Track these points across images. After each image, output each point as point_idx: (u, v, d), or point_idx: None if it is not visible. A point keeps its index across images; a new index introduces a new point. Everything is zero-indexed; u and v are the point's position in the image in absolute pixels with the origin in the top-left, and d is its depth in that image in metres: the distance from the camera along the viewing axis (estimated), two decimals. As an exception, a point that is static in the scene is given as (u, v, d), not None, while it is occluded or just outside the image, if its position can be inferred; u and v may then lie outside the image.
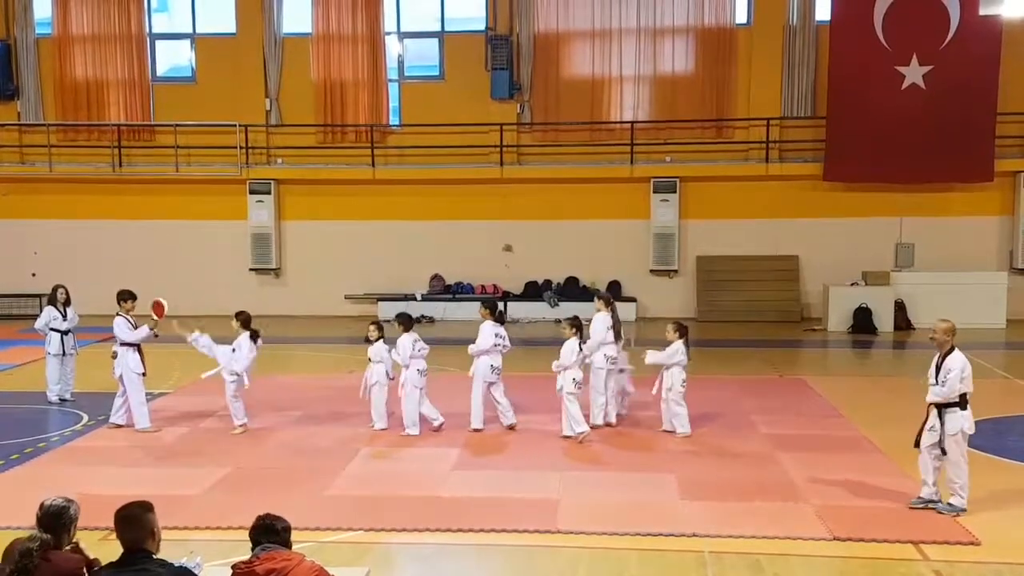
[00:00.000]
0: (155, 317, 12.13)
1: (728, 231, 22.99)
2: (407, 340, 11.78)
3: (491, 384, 11.91)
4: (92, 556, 5.39)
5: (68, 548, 5.29)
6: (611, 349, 11.90)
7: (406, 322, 12.01)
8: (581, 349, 11.54)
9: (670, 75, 23.36)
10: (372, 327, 12.15)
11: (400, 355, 11.75)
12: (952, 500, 8.85)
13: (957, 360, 8.77)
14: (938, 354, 8.95)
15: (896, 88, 21.78)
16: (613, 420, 12.12)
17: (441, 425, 11.88)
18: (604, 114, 23.48)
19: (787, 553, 7.91)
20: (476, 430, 11.85)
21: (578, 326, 11.65)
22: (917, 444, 9.06)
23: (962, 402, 8.76)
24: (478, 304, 12.61)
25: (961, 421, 8.75)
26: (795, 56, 22.85)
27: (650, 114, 23.45)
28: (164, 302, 12.31)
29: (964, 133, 21.48)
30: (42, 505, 5.38)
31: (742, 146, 23.25)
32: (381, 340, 12.01)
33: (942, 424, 8.82)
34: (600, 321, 11.94)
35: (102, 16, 23.98)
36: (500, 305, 12.31)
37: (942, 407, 8.83)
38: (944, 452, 8.87)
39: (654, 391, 11.87)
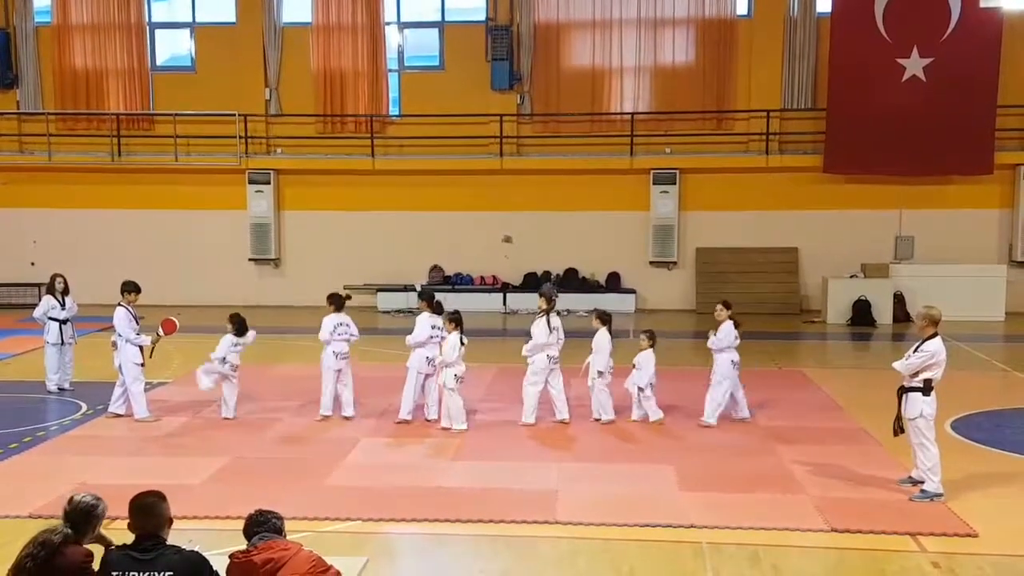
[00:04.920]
0: (161, 333, 12.16)
1: (728, 223, 22.96)
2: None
3: (427, 376, 11.82)
4: (109, 539, 5.38)
5: (89, 540, 5.26)
6: (553, 350, 11.76)
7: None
8: (463, 344, 11.44)
9: (670, 66, 23.31)
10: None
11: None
12: (925, 486, 8.96)
13: (933, 344, 8.89)
14: (920, 339, 9.07)
15: (896, 80, 21.73)
16: (566, 417, 11.88)
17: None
18: (604, 105, 23.41)
19: (785, 544, 7.93)
20: (403, 421, 11.74)
21: (458, 321, 11.54)
22: (897, 433, 9.20)
23: (925, 388, 8.88)
24: (429, 296, 12.16)
25: (921, 405, 8.88)
26: (795, 48, 22.80)
27: (650, 105, 23.40)
28: (176, 322, 12.35)
29: (964, 126, 21.42)
30: (71, 500, 5.30)
31: (742, 138, 23.21)
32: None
33: (903, 407, 8.98)
34: (541, 324, 11.72)
35: (101, 5, 23.88)
36: (438, 296, 12.10)
37: (904, 391, 8.97)
38: (896, 433, 9.09)
39: (589, 382, 11.92)
